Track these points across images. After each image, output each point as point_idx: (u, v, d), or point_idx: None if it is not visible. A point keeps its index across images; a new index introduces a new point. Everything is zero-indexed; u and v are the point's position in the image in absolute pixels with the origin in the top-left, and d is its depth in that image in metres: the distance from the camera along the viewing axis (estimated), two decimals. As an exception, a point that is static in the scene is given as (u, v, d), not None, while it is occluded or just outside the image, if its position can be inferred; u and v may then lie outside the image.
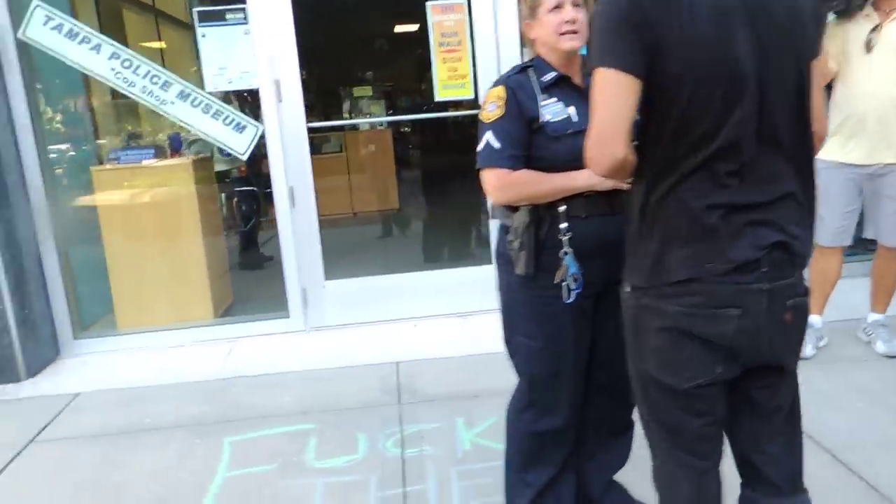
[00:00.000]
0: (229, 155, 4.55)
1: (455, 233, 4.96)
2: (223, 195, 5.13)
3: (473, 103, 3.87)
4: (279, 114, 3.72)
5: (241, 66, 3.64)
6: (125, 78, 3.53)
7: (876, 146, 3.06)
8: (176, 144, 4.16)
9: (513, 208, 1.84)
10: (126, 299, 4.03)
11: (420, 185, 5.42)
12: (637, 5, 1.24)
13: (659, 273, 1.33)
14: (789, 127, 1.32)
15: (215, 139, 3.75)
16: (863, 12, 2.99)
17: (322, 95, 5.98)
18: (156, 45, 5.44)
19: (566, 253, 1.81)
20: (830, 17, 3.05)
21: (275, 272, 4.13)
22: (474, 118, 3.95)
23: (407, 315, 3.97)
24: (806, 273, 1.43)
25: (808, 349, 3.23)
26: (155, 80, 3.55)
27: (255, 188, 5.30)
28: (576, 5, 1.78)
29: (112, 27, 4.52)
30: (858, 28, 3.01)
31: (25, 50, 3.57)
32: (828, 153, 3.03)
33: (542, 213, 1.81)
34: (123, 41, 3.62)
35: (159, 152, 4.07)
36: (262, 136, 3.73)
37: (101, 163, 4.27)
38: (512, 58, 3.78)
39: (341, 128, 6.36)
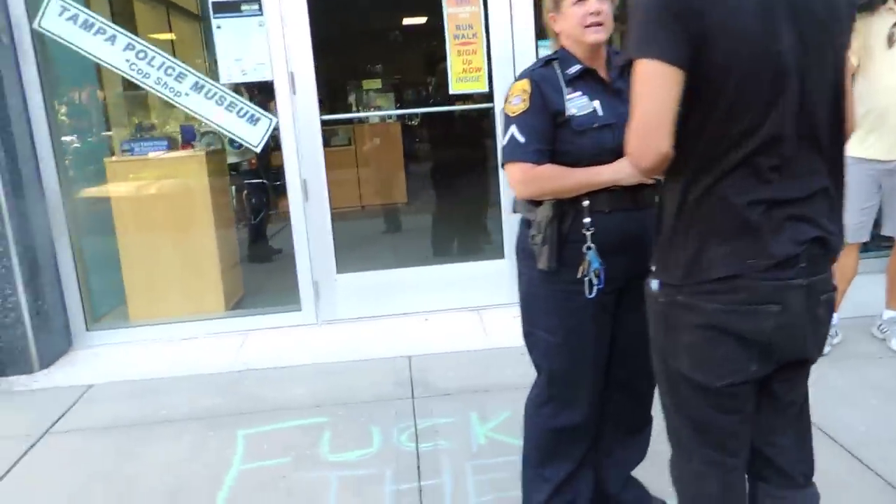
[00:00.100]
0: (240, 147, 4.56)
1: (466, 227, 4.95)
2: (233, 187, 5.12)
3: (487, 96, 3.86)
4: (293, 106, 3.71)
5: (256, 58, 3.63)
6: (140, 69, 3.52)
7: (895, 142, 3.04)
8: (189, 136, 4.15)
9: (536, 203, 1.83)
10: (138, 291, 4.03)
11: (430, 178, 5.39)
12: None
13: (697, 270, 1.32)
14: (826, 121, 1.31)
15: (229, 131, 3.74)
16: (885, 6, 2.96)
17: (335, 88, 5.96)
18: (166, 36, 5.42)
19: (589, 248, 1.80)
20: (852, 10, 3.02)
21: (284, 265, 4.13)
22: (487, 111, 3.99)
23: (419, 309, 3.97)
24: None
25: (823, 346, 3.21)
26: (169, 71, 3.55)
27: (264, 181, 5.30)
28: None
29: (123, 18, 4.50)
30: (881, 22, 2.98)
31: (40, 41, 3.56)
32: (847, 148, 3.01)
33: (565, 208, 1.80)
34: (134, 32, 3.60)
35: (172, 144, 4.06)
36: (275, 129, 3.72)
37: (114, 154, 4.26)
38: (527, 51, 3.76)
39: (350, 121, 6.34)
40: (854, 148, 3.05)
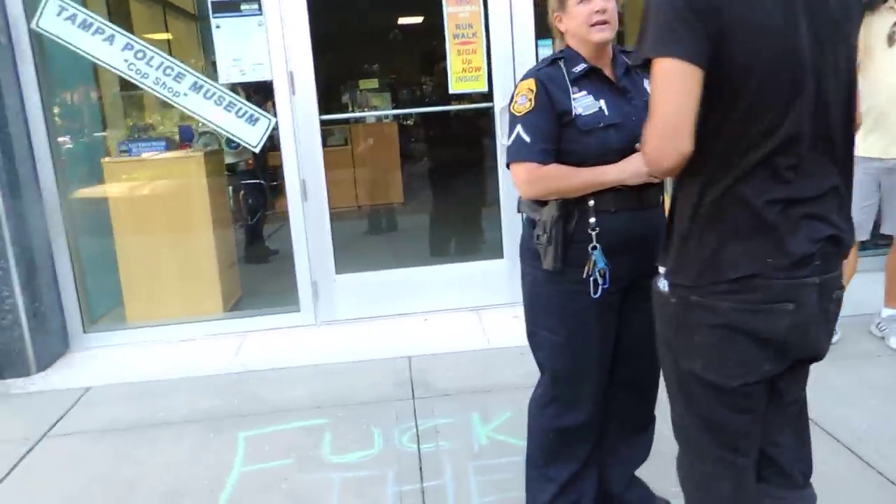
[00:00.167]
0: (236, 147, 4.54)
1: (465, 226, 4.94)
2: (230, 188, 5.10)
3: (486, 96, 3.85)
4: (292, 106, 3.69)
5: (255, 58, 3.61)
6: (138, 69, 3.50)
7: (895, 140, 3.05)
8: (187, 136, 4.13)
9: (541, 202, 1.83)
10: (135, 292, 4.01)
11: (430, 178, 5.38)
12: None
13: (713, 270, 1.31)
14: (839, 120, 1.31)
15: (228, 131, 3.72)
16: (886, 5, 2.97)
17: (334, 88, 5.94)
18: (162, 36, 5.40)
19: (595, 248, 1.79)
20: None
21: (281, 266, 4.12)
22: (486, 111, 3.99)
23: (418, 309, 3.96)
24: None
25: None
26: (168, 71, 3.53)
27: (261, 181, 5.27)
28: None
29: (119, 18, 4.47)
30: (882, 21, 2.99)
31: (38, 40, 3.54)
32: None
33: (570, 208, 1.79)
34: (130, 32, 3.58)
35: (170, 144, 4.04)
36: (274, 129, 3.70)
37: (111, 155, 4.24)
38: (527, 50, 3.76)
39: (346, 121, 6.32)
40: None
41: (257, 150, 3.78)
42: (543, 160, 1.76)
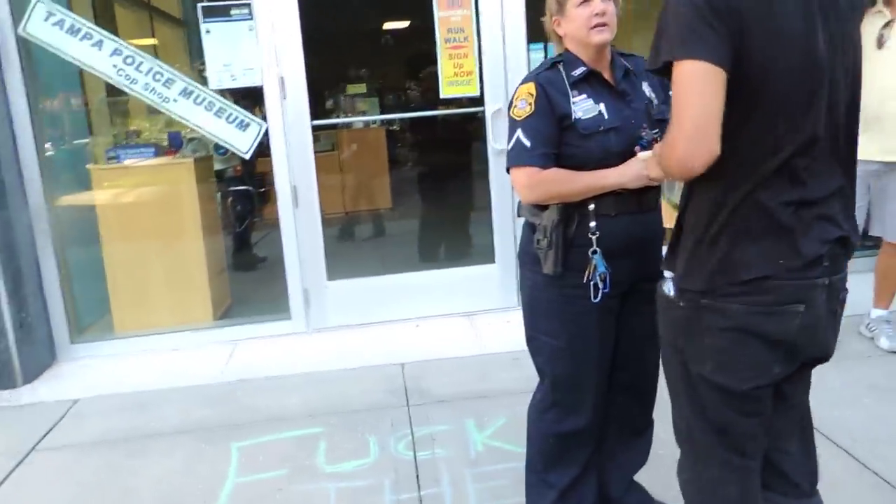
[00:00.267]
0: (225, 153, 4.49)
1: (455, 231, 4.93)
2: (218, 194, 5.06)
3: (477, 100, 3.84)
4: (283, 111, 3.66)
5: (246, 63, 3.58)
6: (128, 75, 3.45)
7: (886, 143, 3.07)
8: (176, 143, 4.08)
9: (541, 207, 1.82)
10: (124, 301, 3.95)
11: (418, 183, 5.37)
12: None
13: (726, 273, 1.31)
14: (845, 121, 1.31)
15: (218, 137, 3.67)
16: (874, 8, 3.00)
17: (325, 93, 5.91)
18: (149, 41, 5.35)
19: (595, 252, 1.78)
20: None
21: (270, 273, 4.07)
22: (475, 115, 3.97)
23: (410, 315, 3.93)
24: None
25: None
26: (158, 76, 3.48)
27: (249, 187, 5.23)
28: None
29: (104, 23, 4.42)
30: (870, 24, 3.02)
31: (25, 46, 3.48)
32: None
33: (570, 212, 1.79)
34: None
35: (159, 151, 3.99)
36: (265, 134, 3.67)
37: (100, 161, 4.18)
38: (518, 55, 3.76)
39: (335, 126, 6.30)
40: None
41: (248, 156, 3.74)
42: (544, 164, 1.75)
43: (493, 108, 3.77)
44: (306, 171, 3.77)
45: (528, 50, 3.75)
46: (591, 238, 1.78)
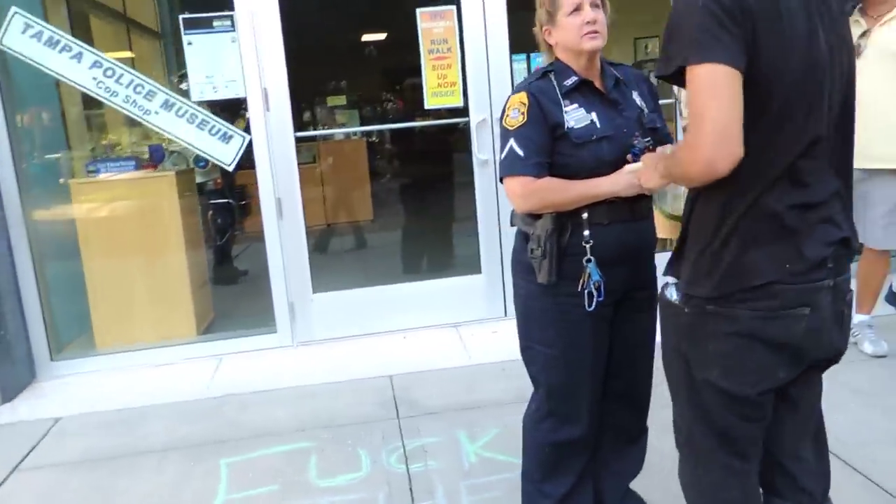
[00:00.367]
0: (205, 165, 4.45)
1: (441, 242, 4.93)
2: (199, 208, 5.00)
3: (461, 111, 3.85)
4: (266, 122, 3.64)
5: (228, 75, 3.55)
6: (107, 87, 3.41)
7: (863, 151, 3.11)
8: (158, 156, 4.03)
9: (535, 216, 1.82)
10: (105, 317, 3.88)
11: (403, 194, 5.36)
12: None
13: (734, 279, 1.31)
14: (842, 123, 1.33)
15: (201, 150, 3.64)
16: (851, 17, 3.05)
17: (308, 104, 5.90)
18: (125, 54, 5.29)
19: (589, 260, 1.79)
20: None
21: (252, 286, 4.03)
22: (457, 126, 3.98)
23: (397, 327, 3.91)
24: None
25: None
26: (139, 89, 3.44)
27: (230, 200, 5.18)
28: (594, 6, 1.77)
29: (80, 34, 4.37)
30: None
31: (1, 58, 3.43)
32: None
33: (564, 221, 1.79)
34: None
35: (140, 164, 3.93)
36: (248, 147, 3.64)
37: (79, 175, 4.11)
38: (501, 65, 3.78)
39: (313, 138, 6.28)
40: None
41: (232, 168, 3.70)
42: (537, 174, 1.75)
43: (478, 118, 3.78)
44: (290, 183, 3.74)
45: (511, 60, 3.77)
46: (584, 247, 1.78)
